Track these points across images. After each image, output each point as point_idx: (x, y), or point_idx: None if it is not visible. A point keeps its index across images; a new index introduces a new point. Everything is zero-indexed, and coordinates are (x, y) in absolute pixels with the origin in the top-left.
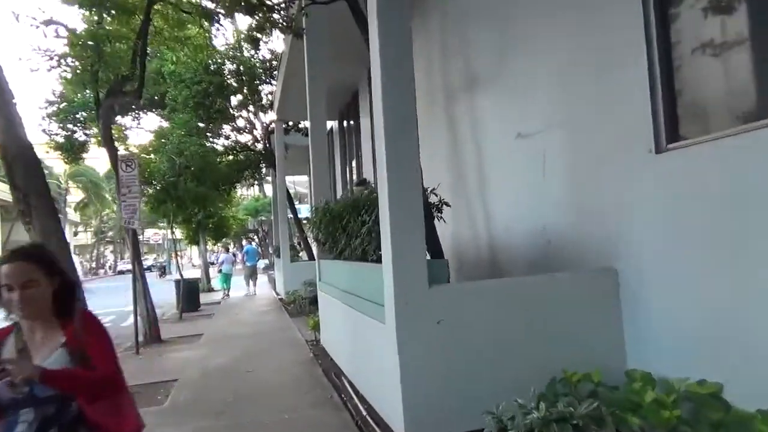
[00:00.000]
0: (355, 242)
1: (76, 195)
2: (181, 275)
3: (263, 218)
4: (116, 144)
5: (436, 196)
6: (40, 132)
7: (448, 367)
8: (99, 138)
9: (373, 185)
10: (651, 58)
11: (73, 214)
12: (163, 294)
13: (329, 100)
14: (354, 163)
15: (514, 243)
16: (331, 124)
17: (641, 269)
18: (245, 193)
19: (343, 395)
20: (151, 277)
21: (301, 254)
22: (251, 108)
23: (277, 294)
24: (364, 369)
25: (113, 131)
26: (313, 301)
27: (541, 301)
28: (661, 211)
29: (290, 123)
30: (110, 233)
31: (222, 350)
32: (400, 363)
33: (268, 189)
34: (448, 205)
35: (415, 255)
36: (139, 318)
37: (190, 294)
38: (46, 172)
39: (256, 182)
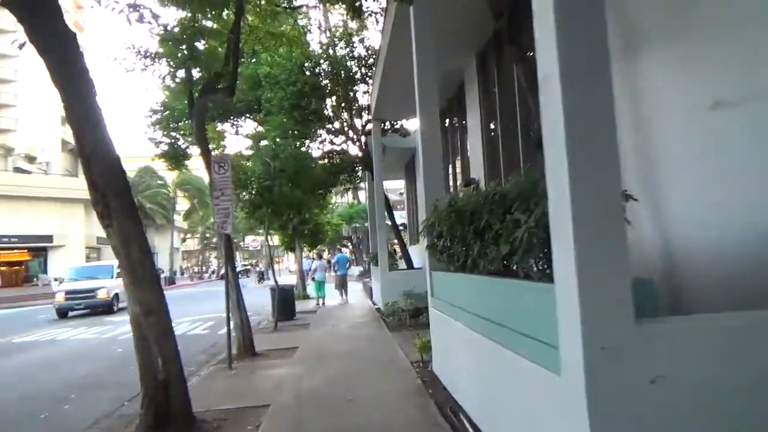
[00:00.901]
0: (498, 249)
1: (184, 203)
2: (276, 283)
3: (357, 225)
4: (212, 147)
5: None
6: (146, 141)
7: None
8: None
9: (479, 184)
10: None
11: (181, 222)
12: (262, 300)
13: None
14: (458, 164)
15: (730, 252)
16: None
17: None
18: (339, 201)
19: None
20: (249, 283)
21: (398, 262)
22: (345, 110)
23: (374, 304)
24: (507, 422)
25: (208, 133)
26: (415, 313)
27: None
28: None
29: (386, 124)
30: (214, 239)
31: (318, 369)
32: None
33: (362, 196)
34: (633, 198)
35: (613, 272)
36: (233, 329)
37: (285, 302)
38: (160, 182)
39: (351, 186)
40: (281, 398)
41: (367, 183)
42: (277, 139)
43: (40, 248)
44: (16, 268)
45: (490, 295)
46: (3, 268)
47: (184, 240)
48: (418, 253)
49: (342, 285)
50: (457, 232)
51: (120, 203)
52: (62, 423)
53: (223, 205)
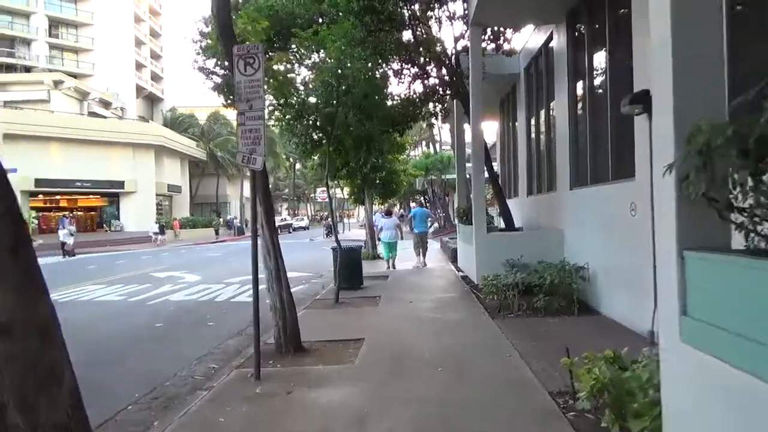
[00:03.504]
0: None
1: None
2: (338, 242)
3: (433, 177)
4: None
5: None
6: (197, 71)
7: None
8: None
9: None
10: None
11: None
12: (326, 257)
13: None
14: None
15: None
16: (538, 40)
17: None
18: (412, 154)
19: None
20: (318, 236)
21: (496, 222)
22: (431, 14)
23: (459, 270)
24: None
25: (272, 64)
26: (527, 291)
27: None
28: None
29: (488, 39)
30: (285, 191)
31: (393, 395)
32: None
33: (444, 139)
34: None
35: None
36: (270, 311)
37: (350, 268)
38: (228, 129)
39: (439, 115)
40: None
41: (455, 119)
42: (343, 48)
43: (112, 194)
44: (92, 213)
45: None
46: (80, 213)
47: None
48: (518, 209)
49: (421, 245)
50: None
51: None
52: None
53: (250, 125)
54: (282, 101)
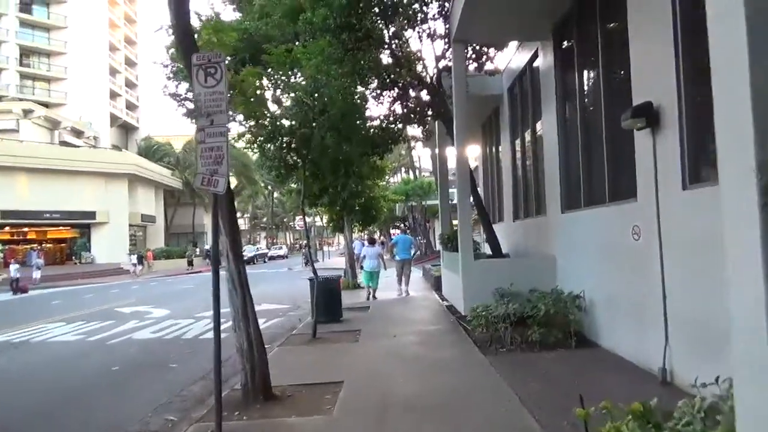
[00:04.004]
0: None
1: (233, 182)
2: (315, 271)
3: (414, 203)
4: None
5: None
6: (168, 97)
7: None
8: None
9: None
10: None
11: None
12: (304, 287)
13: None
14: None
15: None
16: (523, 59)
17: None
18: (392, 180)
19: None
20: (297, 265)
21: (481, 248)
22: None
23: (443, 299)
24: None
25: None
26: (518, 322)
27: None
28: None
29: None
30: (264, 219)
31: None
32: None
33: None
34: None
35: None
36: (236, 353)
37: (328, 299)
38: None
39: (422, 138)
40: None
41: (437, 140)
42: (318, 66)
43: (83, 225)
44: (62, 245)
45: None
46: (49, 246)
47: None
48: (504, 235)
49: (404, 272)
50: None
51: None
52: None
53: (211, 142)
54: (252, 122)
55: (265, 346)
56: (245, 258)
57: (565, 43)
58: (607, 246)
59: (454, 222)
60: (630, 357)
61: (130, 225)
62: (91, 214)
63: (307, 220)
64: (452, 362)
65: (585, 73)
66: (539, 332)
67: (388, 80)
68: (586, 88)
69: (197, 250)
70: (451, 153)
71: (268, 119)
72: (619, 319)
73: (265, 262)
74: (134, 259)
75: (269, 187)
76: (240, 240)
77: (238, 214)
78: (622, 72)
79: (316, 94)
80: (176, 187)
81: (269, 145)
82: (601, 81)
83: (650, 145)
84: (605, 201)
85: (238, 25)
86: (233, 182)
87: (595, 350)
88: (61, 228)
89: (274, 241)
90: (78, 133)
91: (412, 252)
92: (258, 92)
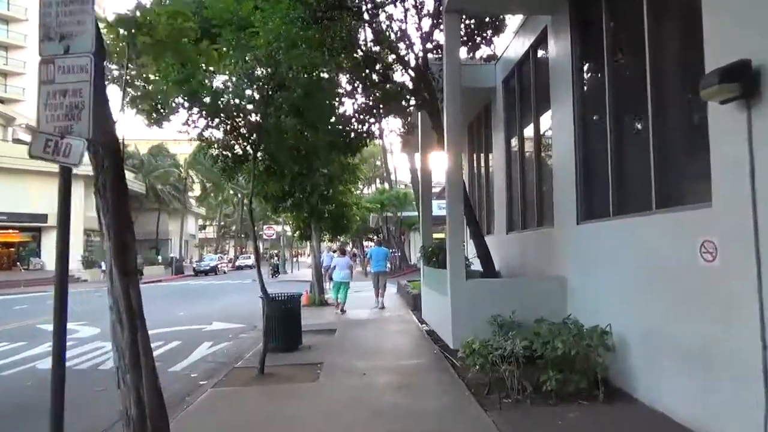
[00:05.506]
0: None
1: (198, 189)
2: (264, 291)
3: (389, 214)
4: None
5: None
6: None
7: None
8: None
9: None
10: None
11: (196, 207)
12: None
13: None
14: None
15: None
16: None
17: None
18: (365, 191)
19: None
20: (253, 277)
21: (470, 264)
22: None
23: (423, 322)
24: None
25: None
26: (530, 360)
27: None
28: None
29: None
30: (233, 227)
31: None
32: None
33: (396, 180)
34: None
35: None
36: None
37: (285, 322)
38: (170, 161)
39: (402, 129)
40: None
41: (419, 135)
42: (276, 35)
43: (33, 228)
44: (9, 249)
45: None
46: None
47: (203, 227)
48: (495, 249)
49: (379, 285)
50: None
51: None
52: None
53: (64, 82)
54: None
55: (197, 387)
56: (204, 268)
57: (589, 13)
58: (651, 267)
59: (435, 235)
60: (687, 418)
61: (86, 230)
62: (43, 217)
63: (277, 228)
64: (443, 420)
65: (619, 49)
66: (555, 378)
67: (364, 59)
68: (620, 68)
69: (159, 258)
70: (435, 154)
71: (204, 92)
72: (666, 365)
73: (225, 273)
74: (103, 265)
75: (238, 195)
76: (133, 246)
77: (206, 223)
78: (685, 38)
79: (271, 64)
80: (139, 191)
81: (209, 129)
82: (648, 54)
83: (741, 123)
84: (650, 208)
85: None
86: (196, 188)
87: (630, 405)
88: (9, 231)
89: (243, 250)
90: (32, 130)
91: (387, 265)
92: (183, 39)
